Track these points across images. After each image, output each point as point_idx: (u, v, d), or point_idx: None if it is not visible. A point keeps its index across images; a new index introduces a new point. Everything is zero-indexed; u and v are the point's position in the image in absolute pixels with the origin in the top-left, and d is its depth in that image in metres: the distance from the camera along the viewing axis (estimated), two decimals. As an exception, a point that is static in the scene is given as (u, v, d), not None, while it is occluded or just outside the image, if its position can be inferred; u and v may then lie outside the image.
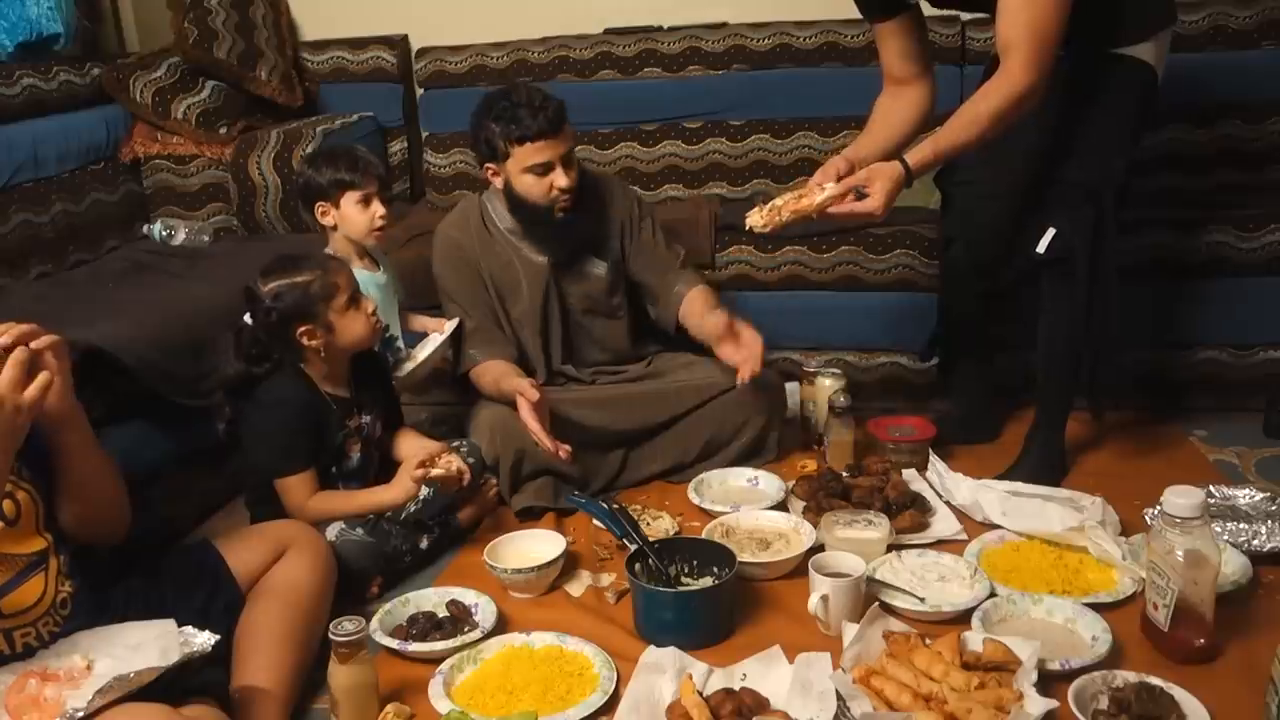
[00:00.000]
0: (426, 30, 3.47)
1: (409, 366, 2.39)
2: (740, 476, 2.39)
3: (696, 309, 2.42)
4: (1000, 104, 1.97)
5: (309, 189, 2.33)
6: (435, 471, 2.03)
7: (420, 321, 2.52)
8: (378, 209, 2.31)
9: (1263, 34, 2.90)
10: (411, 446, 2.18)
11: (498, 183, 2.36)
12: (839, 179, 2.03)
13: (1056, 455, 2.34)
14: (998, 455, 2.43)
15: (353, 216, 2.30)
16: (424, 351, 2.41)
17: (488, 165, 2.35)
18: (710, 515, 2.22)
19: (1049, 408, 2.32)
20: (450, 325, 2.41)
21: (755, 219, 2.05)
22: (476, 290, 2.43)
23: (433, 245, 2.48)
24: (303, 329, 2.00)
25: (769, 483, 2.35)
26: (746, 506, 2.22)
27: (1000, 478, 2.27)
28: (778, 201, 2.04)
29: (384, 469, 2.16)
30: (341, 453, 2.11)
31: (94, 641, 1.47)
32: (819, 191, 2.01)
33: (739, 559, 1.91)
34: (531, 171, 2.29)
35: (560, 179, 2.29)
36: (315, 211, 2.33)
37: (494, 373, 2.36)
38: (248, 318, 2.02)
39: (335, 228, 2.33)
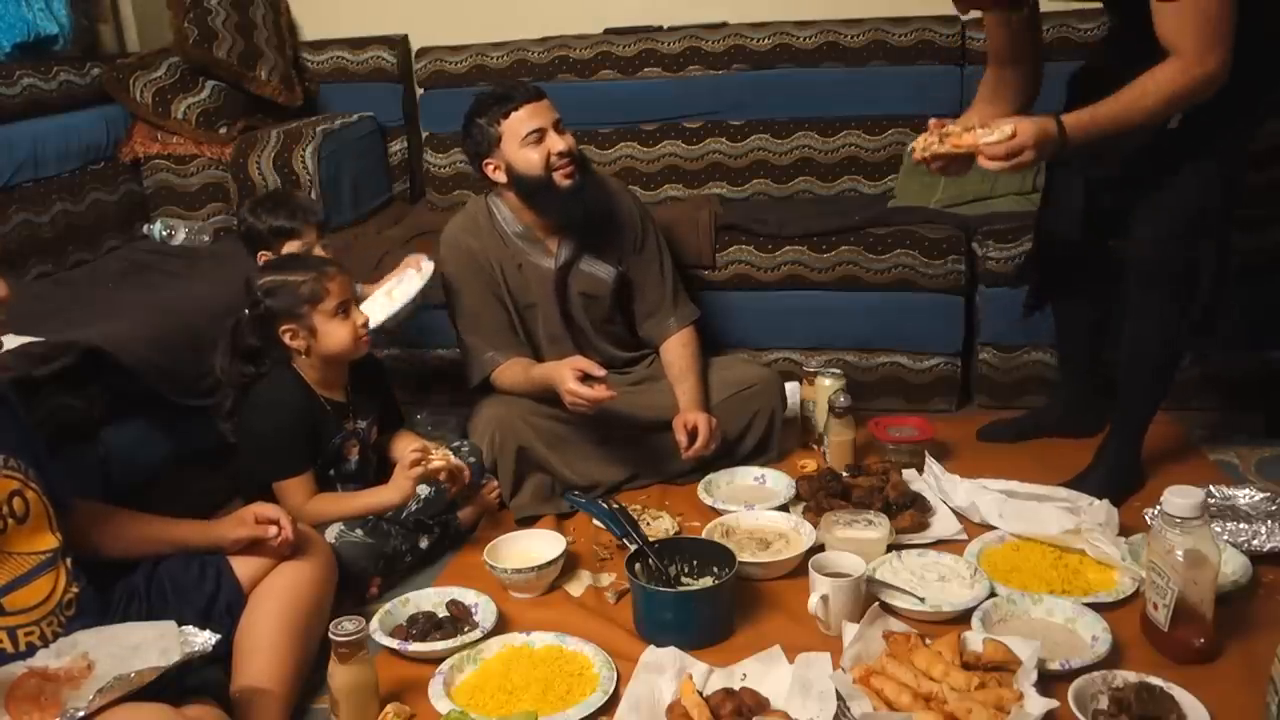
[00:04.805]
0: (426, 30, 3.47)
1: (387, 308, 2.30)
2: (748, 475, 2.40)
3: (674, 360, 2.46)
4: (1170, 85, 1.86)
5: (249, 237, 2.31)
6: (432, 465, 2.03)
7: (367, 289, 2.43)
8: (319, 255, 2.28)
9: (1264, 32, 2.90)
10: (406, 447, 2.18)
11: (499, 176, 2.35)
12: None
13: (1134, 465, 2.26)
14: (999, 457, 2.44)
15: None
16: (404, 288, 2.34)
17: (486, 161, 2.34)
18: (721, 514, 2.21)
19: (1129, 415, 2.23)
20: (427, 265, 2.35)
21: (919, 142, 2.01)
22: (490, 293, 2.42)
23: (441, 251, 2.45)
24: (287, 328, 2.01)
25: (776, 480, 2.35)
26: (759, 505, 2.23)
27: (1067, 485, 2.21)
28: (932, 139, 1.98)
29: (383, 471, 2.16)
30: (339, 456, 2.11)
31: (95, 641, 1.47)
32: (976, 133, 1.93)
33: (739, 559, 1.91)
34: (527, 143, 2.28)
35: (556, 144, 2.29)
36: (258, 260, 2.29)
37: (519, 367, 2.38)
38: (245, 309, 2.04)
39: None
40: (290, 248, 2.27)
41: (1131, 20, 1.94)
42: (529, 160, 2.29)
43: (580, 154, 2.36)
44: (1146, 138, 1.99)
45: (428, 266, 2.37)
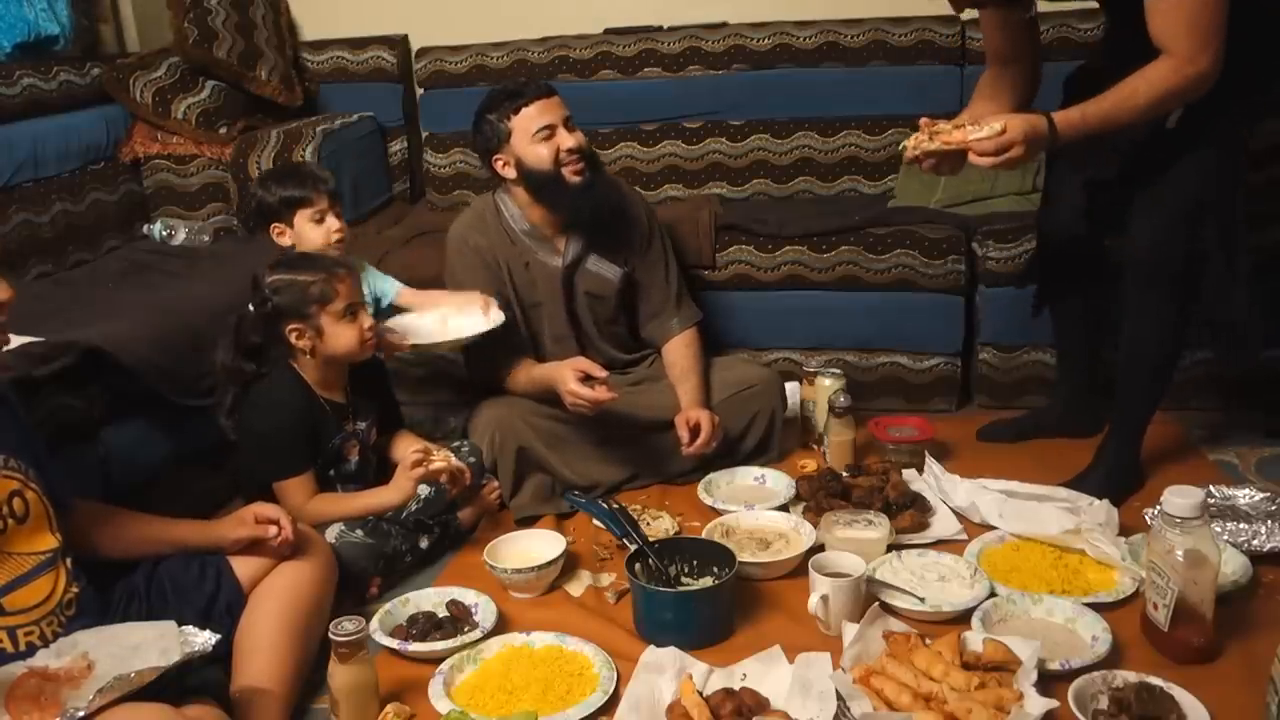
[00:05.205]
0: (426, 30, 3.47)
1: (440, 336, 2.29)
2: (748, 475, 2.40)
3: (676, 360, 2.46)
4: (1162, 84, 1.87)
5: (261, 211, 2.29)
6: (434, 466, 2.03)
7: (412, 295, 2.43)
8: (332, 224, 2.27)
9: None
10: (407, 447, 2.18)
11: (509, 172, 2.34)
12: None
13: (1134, 465, 2.26)
14: (999, 457, 2.44)
15: (307, 234, 2.26)
16: (462, 322, 2.31)
17: (496, 157, 2.34)
18: (721, 514, 2.21)
19: (1128, 415, 2.22)
20: (496, 315, 2.31)
21: (910, 141, 2.01)
22: (497, 292, 2.40)
23: (448, 249, 2.45)
24: (293, 327, 2.01)
25: (776, 480, 2.35)
26: (759, 505, 2.23)
27: (1067, 485, 2.21)
28: (923, 137, 1.99)
29: (383, 471, 2.16)
30: (339, 456, 2.11)
31: (95, 641, 1.47)
32: (966, 130, 1.94)
33: (739, 559, 1.91)
34: (537, 138, 2.28)
35: (566, 140, 2.29)
36: (271, 233, 2.28)
37: (521, 367, 2.39)
38: (250, 306, 2.03)
39: (294, 247, 2.28)
40: (303, 216, 2.26)
41: (1125, 20, 1.94)
42: (539, 155, 2.29)
43: (591, 152, 2.37)
44: (1140, 134, 1.99)
45: (497, 316, 2.32)
